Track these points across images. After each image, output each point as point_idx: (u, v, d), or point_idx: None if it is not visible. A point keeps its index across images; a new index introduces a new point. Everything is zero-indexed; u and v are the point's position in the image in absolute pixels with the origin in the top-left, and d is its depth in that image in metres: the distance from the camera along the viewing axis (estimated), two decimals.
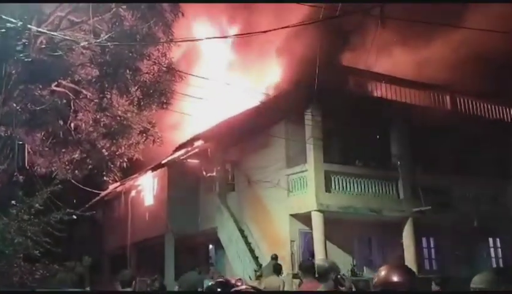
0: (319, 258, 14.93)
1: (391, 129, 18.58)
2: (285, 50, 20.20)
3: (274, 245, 17.55)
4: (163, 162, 21.22)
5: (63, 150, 14.55)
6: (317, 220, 16.37)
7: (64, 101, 13.91)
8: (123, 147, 14.79)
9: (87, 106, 14.37)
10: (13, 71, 12.18)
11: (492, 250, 21.37)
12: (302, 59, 17.96)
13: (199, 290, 10.49)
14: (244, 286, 7.02)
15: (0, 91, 10.99)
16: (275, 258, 14.86)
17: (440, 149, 19.45)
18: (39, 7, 12.42)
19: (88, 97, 14.35)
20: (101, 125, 14.41)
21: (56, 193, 11.30)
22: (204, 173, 20.61)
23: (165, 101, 14.76)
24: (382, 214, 17.45)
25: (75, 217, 10.88)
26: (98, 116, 14.25)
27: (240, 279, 15.27)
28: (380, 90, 18.53)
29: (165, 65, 14.39)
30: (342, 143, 17.92)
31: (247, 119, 17.96)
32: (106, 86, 13.74)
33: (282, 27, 11.06)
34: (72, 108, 14.18)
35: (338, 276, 4.70)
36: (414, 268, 13.39)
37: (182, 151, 20.41)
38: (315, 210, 16.38)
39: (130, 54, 13.30)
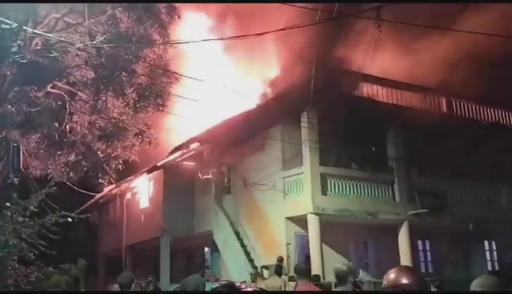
0: (315, 261, 14.93)
1: (387, 132, 18.62)
2: (281, 52, 20.18)
3: (269, 248, 17.54)
4: (159, 164, 21.19)
5: (58, 152, 14.48)
6: (313, 223, 16.37)
7: (59, 103, 13.86)
8: (118, 150, 14.74)
9: (82, 108, 14.32)
10: (8, 73, 12.15)
11: (487, 253, 21.43)
12: (299, 61, 17.96)
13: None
14: (250, 288, 7.01)
15: None
16: (281, 260, 15.07)
17: (435, 152, 19.49)
18: (35, 8, 12.37)
19: (83, 99, 14.30)
20: (97, 127, 14.35)
21: (51, 196, 11.24)
22: (200, 175, 20.61)
23: (160, 103, 14.72)
24: (378, 217, 17.46)
25: (70, 219, 10.82)
26: (93, 118, 14.19)
27: (244, 282, 15.39)
28: (376, 93, 18.55)
29: (160, 67, 14.36)
30: (338, 145, 17.93)
31: (243, 121, 17.96)
32: (102, 88, 13.69)
33: (278, 30, 11.04)
34: (67, 110, 14.13)
35: (357, 279, 4.74)
36: None
37: (178, 153, 20.39)
38: (310, 213, 16.38)
39: (126, 56, 13.26)
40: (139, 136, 14.82)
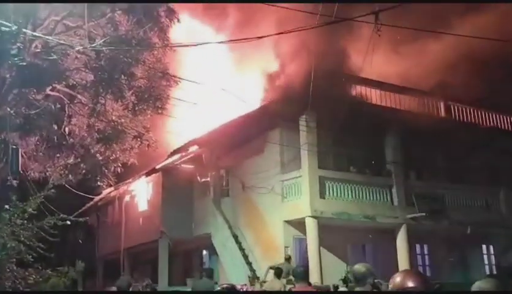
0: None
1: (385, 135, 18.65)
2: (280, 56, 20.21)
3: (268, 251, 17.55)
4: (158, 167, 21.19)
5: (57, 155, 14.51)
6: (311, 226, 16.37)
7: (59, 105, 13.89)
8: (117, 152, 14.76)
9: (81, 111, 14.35)
10: (8, 75, 12.17)
11: (485, 256, 21.45)
12: (297, 64, 17.99)
13: None
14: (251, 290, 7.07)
15: None
16: (288, 258, 15.17)
17: (434, 156, 19.56)
18: (34, 11, 12.40)
19: (83, 101, 14.32)
20: (96, 130, 14.38)
21: (49, 198, 11.26)
22: (198, 178, 20.60)
23: (159, 106, 14.75)
24: (376, 221, 17.48)
25: (68, 222, 10.84)
26: (92, 121, 14.22)
27: (245, 284, 15.46)
28: (375, 97, 18.59)
29: (160, 70, 14.40)
30: (336, 149, 17.96)
31: (241, 124, 17.96)
32: (101, 90, 13.72)
33: (277, 33, 11.09)
34: (66, 112, 14.16)
35: (376, 280, 4.73)
36: None
37: (177, 156, 20.38)
38: (309, 216, 16.38)
39: (125, 59, 13.29)
40: (138, 139, 14.85)
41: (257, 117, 17.29)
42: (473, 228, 18.61)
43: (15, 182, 12.34)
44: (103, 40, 12.36)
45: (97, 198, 23.18)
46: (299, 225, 16.91)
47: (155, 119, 16.41)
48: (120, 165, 15.08)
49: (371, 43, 10.90)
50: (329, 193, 17.14)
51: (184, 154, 19.92)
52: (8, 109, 12.27)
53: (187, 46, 15.20)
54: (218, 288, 4.11)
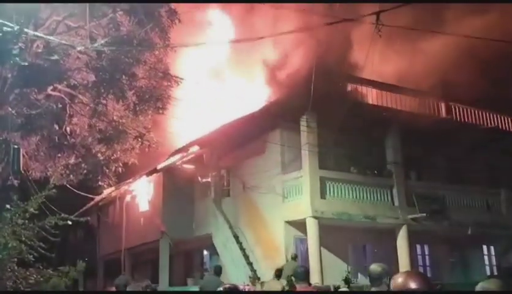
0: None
1: (386, 136, 18.65)
2: (282, 57, 20.25)
3: (268, 251, 17.57)
4: (159, 167, 21.20)
5: (58, 154, 14.52)
6: (312, 227, 16.37)
7: (60, 105, 13.90)
8: (118, 152, 14.79)
9: (82, 111, 14.37)
10: (9, 75, 12.19)
11: (486, 257, 21.45)
12: (299, 65, 18.02)
13: None
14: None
15: None
16: (294, 257, 15.18)
17: (435, 156, 19.55)
18: (36, 11, 12.42)
19: (84, 101, 14.34)
20: (97, 130, 14.40)
21: (50, 198, 11.27)
22: (199, 178, 20.62)
23: (160, 106, 14.77)
24: (377, 221, 17.48)
25: (69, 222, 10.84)
26: (93, 121, 14.24)
27: (248, 285, 15.50)
28: (376, 97, 18.60)
29: (161, 71, 14.41)
30: (337, 149, 17.95)
31: (242, 125, 17.99)
32: (102, 91, 13.75)
33: (278, 34, 11.10)
34: (68, 112, 14.17)
35: (392, 280, 4.73)
36: None
37: (178, 156, 20.40)
38: (309, 216, 16.38)
39: (127, 60, 13.32)
40: (139, 139, 14.87)
41: (258, 117, 17.30)
42: (474, 228, 18.62)
43: (16, 182, 12.36)
44: (104, 40, 12.39)
45: (98, 198, 23.18)
46: (299, 225, 16.91)
47: (156, 119, 16.45)
48: (121, 165, 15.11)
49: (372, 44, 10.91)
50: (330, 193, 17.14)
51: (185, 154, 19.94)
52: (10, 109, 12.30)
53: (187, 46, 15.22)
54: (221, 288, 4.11)
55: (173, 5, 14.35)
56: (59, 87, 13.74)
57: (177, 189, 21.13)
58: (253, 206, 18.79)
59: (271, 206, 17.91)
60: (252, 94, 19.45)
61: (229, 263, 18.73)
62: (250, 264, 17.85)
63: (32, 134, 13.56)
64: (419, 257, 19.82)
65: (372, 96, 18.53)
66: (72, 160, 14.62)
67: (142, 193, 23.37)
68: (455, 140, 18.35)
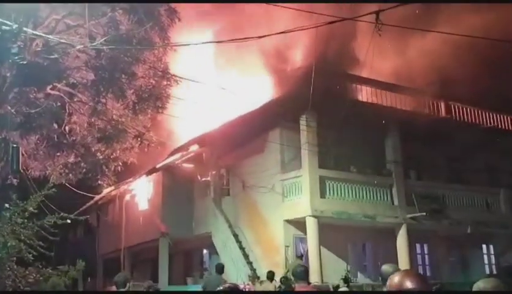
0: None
1: (386, 135, 18.65)
2: (281, 55, 20.22)
3: (268, 250, 17.57)
4: (158, 166, 21.19)
5: (57, 153, 14.51)
6: (311, 226, 16.38)
7: (59, 104, 13.88)
8: (118, 151, 14.77)
9: (82, 109, 14.35)
10: (8, 74, 12.17)
11: (485, 256, 21.47)
12: (298, 64, 18.00)
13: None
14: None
15: None
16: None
17: (434, 155, 19.55)
18: (35, 10, 12.40)
19: (83, 100, 14.33)
20: (96, 129, 14.38)
21: (50, 197, 11.25)
22: (199, 177, 20.61)
23: (160, 105, 14.76)
24: (376, 220, 17.49)
25: (68, 221, 10.83)
26: (93, 120, 14.22)
27: (248, 284, 15.50)
28: (375, 97, 18.59)
29: (160, 70, 14.40)
30: (336, 148, 17.95)
31: (242, 124, 17.98)
32: (102, 89, 13.73)
33: (277, 33, 11.07)
34: (67, 111, 14.16)
35: (388, 279, 4.74)
36: None
37: (177, 155, 20.40)
38: (309, 215, 16.39)
39: (126, 58, 13.30)
40: (139, 138, 14.86)
41: (258, 116, 17.30)
42: (473, 227, 18.63)
43: (15, 181, 12.35)
44: (103, 39, 12.36)
45: (97, 197, 23.18)
46: (299, 224, 16.92)
47: (156, 118, 16.42)
48: (120, 164, 15.09)
49: (371, 43, 10.90)
50: (330, 192, 17.15)
51: (184, 153, 19.94)
52: (9, 107, 12.28)
53: (187, 45, 15.21)
54: (221, 288, 4.10)
55: (173, 4, 14.33)
56: (58, 86, 13.73)
57: (177, 188, 21.11)
58: (253, 205, 18.78)
59: (271, 205, 17.91)
60: (252, 93, 19.43)
61: (229, 262, 18.69)
62: (249, 263, 17.84)
63: (32, 133, 13.54)
64: (419, 256, 19.84)
65: (371, 95, 18.53)
66: (71, 159, 14.60)
67: (141, 192, 23.36)
68: (455, 139, 18.35)
